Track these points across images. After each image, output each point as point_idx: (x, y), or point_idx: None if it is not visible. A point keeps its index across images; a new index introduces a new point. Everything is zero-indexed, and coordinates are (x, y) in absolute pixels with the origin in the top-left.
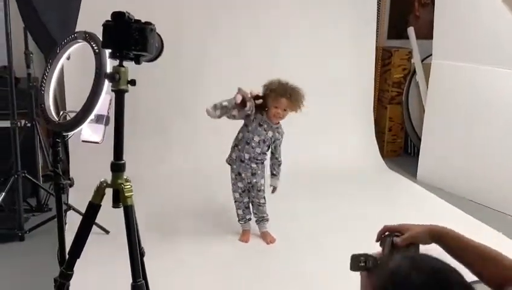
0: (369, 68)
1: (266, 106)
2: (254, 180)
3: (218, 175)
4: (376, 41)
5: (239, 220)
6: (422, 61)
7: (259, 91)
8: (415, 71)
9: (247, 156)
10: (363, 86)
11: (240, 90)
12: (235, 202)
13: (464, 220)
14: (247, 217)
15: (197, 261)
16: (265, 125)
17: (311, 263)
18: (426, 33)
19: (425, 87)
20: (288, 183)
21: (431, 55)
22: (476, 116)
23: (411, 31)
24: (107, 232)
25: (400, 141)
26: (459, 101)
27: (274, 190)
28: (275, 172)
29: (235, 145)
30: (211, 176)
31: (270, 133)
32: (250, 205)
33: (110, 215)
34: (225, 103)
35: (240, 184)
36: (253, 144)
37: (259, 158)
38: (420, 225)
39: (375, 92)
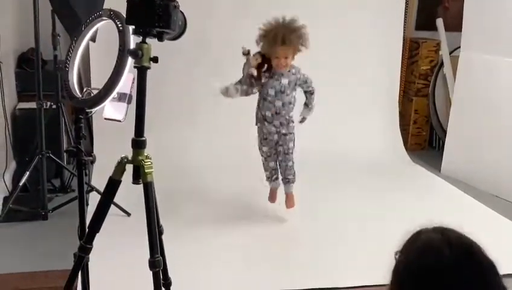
0: (396, 59)
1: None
2: (280, 142)
3: (242, 161)
4: (404, 32)
5: (266, 180)
6: (450, 53)
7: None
8: (442, 63)
9: (268, 113)
10: (389, 77)
11: (247, 63)
12: (263, 164)
13: (488, 216)
14: (274, 177)
15: (218, 246)
16: (277, 75)
17: (333, 251)
18: (455, 25)
19: (452, 80)
20: (310, 173)
21: (459, 47)
22: (503, 111)
23: (440, 22)
24: (128, 214)
25: (424, 134)
26: (487, 95)
27: (303, 120)
28: (307, 102)
29: (257, 104)
30: (235, 163)
31: (284, 81)
32: (278, 166)
33: (132, 198)
34: (244, 87)
35: (264, 148)
36: (269, 98)
37: (282, 113)
38: None
39: (401, 83)
